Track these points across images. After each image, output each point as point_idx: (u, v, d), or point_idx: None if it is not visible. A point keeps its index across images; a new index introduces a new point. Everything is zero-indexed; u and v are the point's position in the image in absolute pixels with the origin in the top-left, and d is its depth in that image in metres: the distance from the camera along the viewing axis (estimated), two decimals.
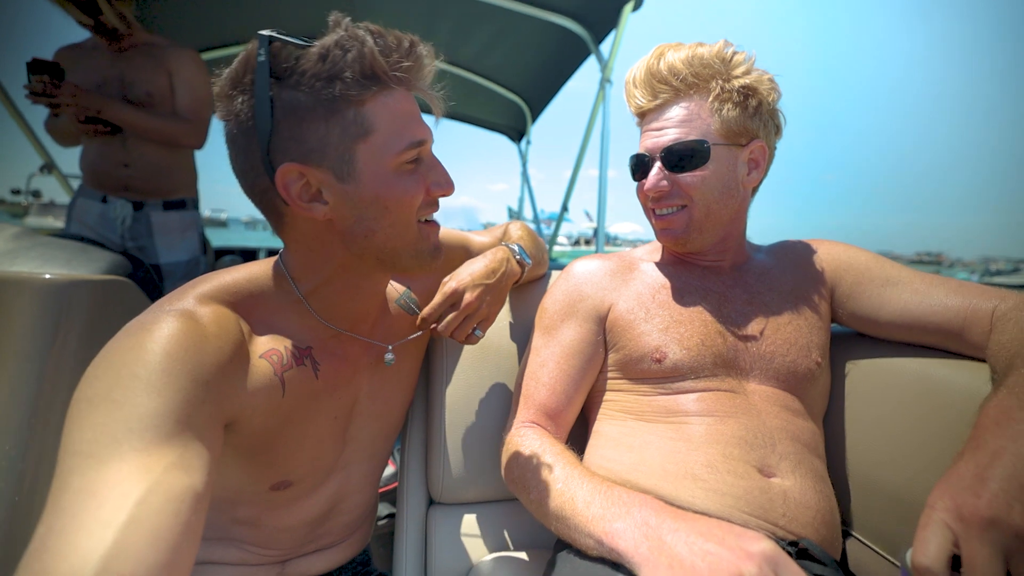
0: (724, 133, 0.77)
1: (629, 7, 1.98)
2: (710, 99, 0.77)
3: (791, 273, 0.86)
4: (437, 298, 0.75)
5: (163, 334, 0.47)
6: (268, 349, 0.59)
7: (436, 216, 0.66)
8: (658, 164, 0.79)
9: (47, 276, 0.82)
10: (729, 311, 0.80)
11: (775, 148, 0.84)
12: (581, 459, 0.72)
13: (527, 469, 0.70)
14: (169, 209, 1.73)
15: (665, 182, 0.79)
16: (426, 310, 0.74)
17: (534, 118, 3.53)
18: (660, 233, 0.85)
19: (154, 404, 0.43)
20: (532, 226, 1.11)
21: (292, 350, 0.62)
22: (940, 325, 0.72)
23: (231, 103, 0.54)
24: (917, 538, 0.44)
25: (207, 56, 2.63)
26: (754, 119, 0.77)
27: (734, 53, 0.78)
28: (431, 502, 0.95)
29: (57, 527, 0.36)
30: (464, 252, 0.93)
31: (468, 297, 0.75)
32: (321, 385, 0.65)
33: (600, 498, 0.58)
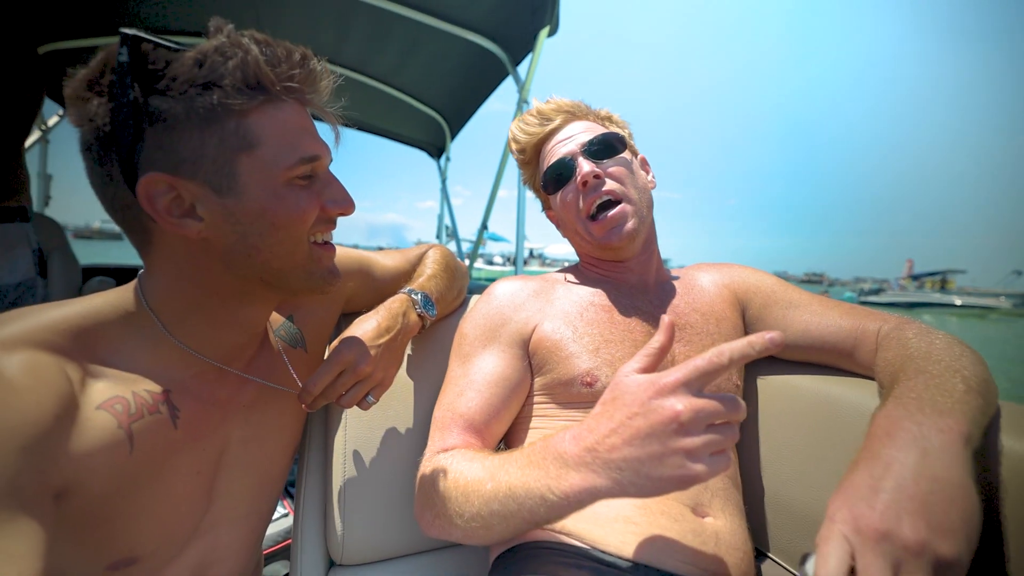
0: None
1: (545, 32, 2.03)
2: (595, 121, 0.88)
3: (709, 294, 0.87)
4: (323, 370, 0.65)
5: None
6: (110, 397, 0.50)
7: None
8: (582, 157, 0.82)
9: None
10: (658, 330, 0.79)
11: None
12: None
13: (449, 495, 0.62)
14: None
15: (598, 168, 0.80)
16: (309, 382, 0.65)
17: (453, 135, 3.49)
18: (609, 235, 0.81)
19: None
20: (453, 246, 1.05)
21: (143, 395, 0.53)
22: (835, 345, 0.76)
23: (84, 106, 0.49)
24: (819, 552, 0.44)
25: (59, 47, 2.26)
26: (630, 139, 0.89)
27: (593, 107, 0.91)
28: (331, 564, 0.83)
29: None
30: (363, 276, 0.85)
31: (362, 366, 0.67)
32: (181, 435, 0.56)
33: (533, 470, 0.53)
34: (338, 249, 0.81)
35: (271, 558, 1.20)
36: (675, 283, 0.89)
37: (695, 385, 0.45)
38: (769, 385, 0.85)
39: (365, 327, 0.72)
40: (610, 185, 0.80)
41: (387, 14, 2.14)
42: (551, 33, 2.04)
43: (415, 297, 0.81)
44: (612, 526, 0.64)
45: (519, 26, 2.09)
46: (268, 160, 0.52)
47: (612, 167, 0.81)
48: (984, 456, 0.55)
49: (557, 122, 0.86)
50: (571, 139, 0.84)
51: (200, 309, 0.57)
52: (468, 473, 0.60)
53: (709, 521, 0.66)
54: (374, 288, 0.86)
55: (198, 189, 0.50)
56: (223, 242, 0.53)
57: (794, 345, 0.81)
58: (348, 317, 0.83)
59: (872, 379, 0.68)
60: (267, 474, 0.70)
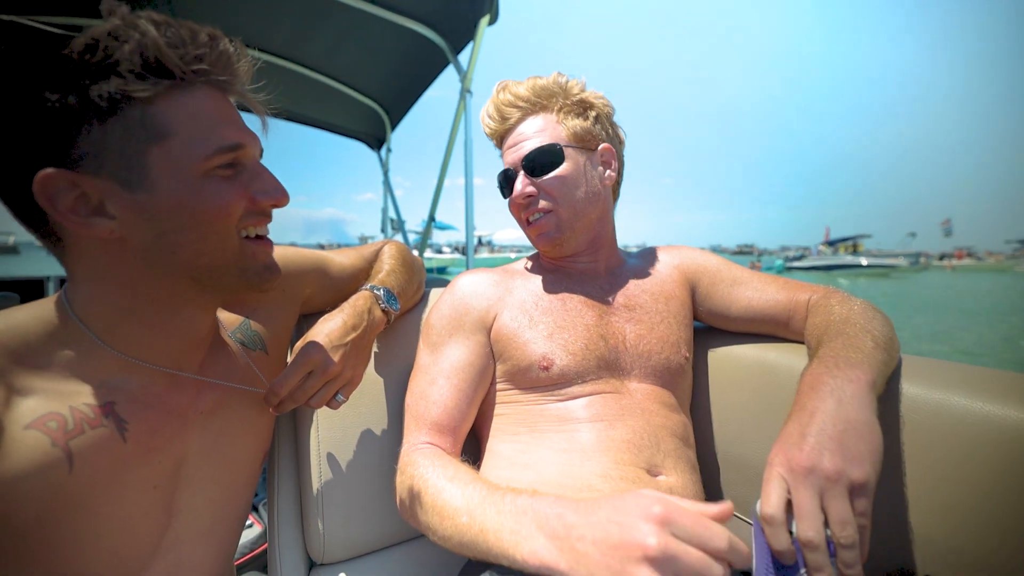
0: (573, 138, 0.85)
1: (485, 20, 2.02)
2: (555, 112, 0.86)
3: (659, 275, 0.94)
4: (289, 372, 0.65)
5: None
6: (42, 415, 0.48)
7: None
8: (521, 173, 0.85)
9: None
10: (608, 314, 0.85)
11: (623, 156, 0.94)
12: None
13: (425, 507, 0.64)
14: None
15: (531, 187, 0.84)
16: (276, 384, 0.64)
17: (394, 125, 3.41)
18: (537, 240, 0.89)
19: None
20: (399, 238, 1.05)
21: (83, 409, 0.50)
22: (773, 316, 0.85)
23: None
24: (763, 492, 0.52)
25: None
26: (596, 127, 0.88)
27: (567, 80, 0.88)
28: (312, 565, 0.83)
29: None
30: (320, 276, 0.84)
31: (331, 366, 0.67)
32: (132, 448, 0.53)
33: (509, 520, 0.55)
34: (292, 249, 0.80)
35: (241, 569, 1.17)
36: (627, 268, 0.95)
37: (683, 534, 0.44)
38: (717, 356, 0.93)
39: (331, 326, 0.71)
40: (542, 203, 0.85)
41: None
42: (491, 21, 2.04)
43: (378, 293, 0.82)
44: (580, 495, 0.68)
45: (458, 14, 2.07)
46: (181, 151, 0.49)
47: (548, 182, 0.84)
48: (888, 399, 0.65)
49: (511, 120, 0.88)
50: (517, 147, 0.86)
51: (132, 315, 0.54)
52: (446, 495, 0.63)
53: (663, 479, 0.73)
54: (332, 287, 0.85)
55: (104, 185, 0.48)
56: (140, 240, 0.50)
57: (738, 318, 0.89)
58: (307, 318, 0.83)
59: (803, 344, 0.77)
60: (232, 484, 0.67)
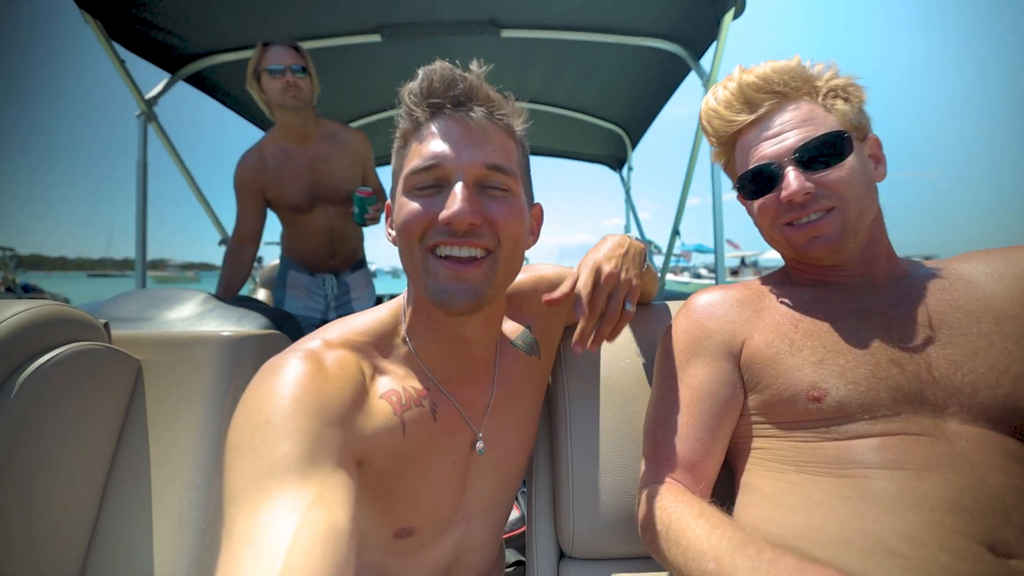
0: (848, 126, 0.71)
1: (730, 16, 1.85)
2: (820, 98, 0.73)
3: (981, 287, 0.68)
4: (582, 280, 0.68)
5: (290, 378, 0.51)
6: (388, 390, 0.61)
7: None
8: (791, 167, 0.70)
9: (225, 333, 0.97)
10: (900, 334, 0.66)
11: None
12: (730, 514, 0.63)
13: (668, 541, 0.62)
14: (355, 270, 2.08)
15: (810, 183, 0.69)
16: (577, 294, 0.67)
17: (634, 144, 3.46)
18: (810, 244, 0.72)
19: (288, 447, 0.45)
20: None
21: (411, 391, 0.63)
22: None
23: None
24: None
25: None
26: (861, 115, 0.73)
27: (812, 65, 0.75)
28: (562, 555, 0.90)
29: None
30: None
31: (607, 269, 0.69)
32: (439, 428, 0.65)
33: None
34: (561, 268, 0.85)
35: (505, 544, 1.35)
36: (920, 276, 0.72)
37: None
38: None
39: (597, 251, 0.73)
40: (824, 201, 0.70)
41: (564, 43, 2.26)
42: (737, 15, 1.85)
43: (627, 233, 0.81)
44: (871, 558, 0.54)
45: (699, 17, 1.96)
46: (404, 170, 0.59)
47: (832, 176, 0.69)
48: None
49: (764, 109, 0.74)
50: (779, 138, 0.72)
51: (429, 327, 0.65)
52: (691, 534, 0.59)
53: (1018, 564, 0.51)
54: None
55: (391, 202, 0.63)
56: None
57: None
58: (571, 328, 0.91)
59: None
60: (509, 470, 0.77)
